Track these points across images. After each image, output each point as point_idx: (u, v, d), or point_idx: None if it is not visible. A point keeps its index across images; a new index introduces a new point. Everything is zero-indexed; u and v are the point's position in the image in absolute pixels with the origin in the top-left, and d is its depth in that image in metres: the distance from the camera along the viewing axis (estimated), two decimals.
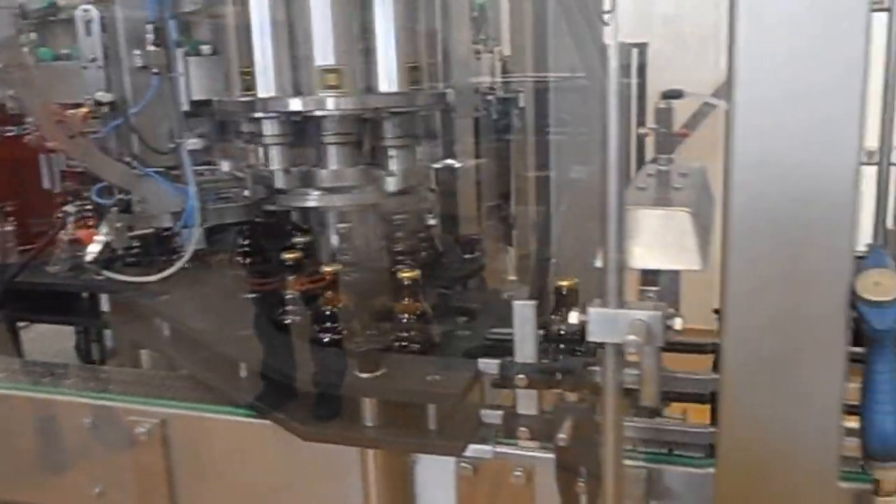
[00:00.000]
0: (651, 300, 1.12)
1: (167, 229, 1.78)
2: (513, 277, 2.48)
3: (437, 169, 2.08)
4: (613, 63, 0.98)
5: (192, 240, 1.69)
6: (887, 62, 1.78)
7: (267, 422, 1.34)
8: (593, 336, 1.03)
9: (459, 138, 2.55)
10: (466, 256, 2.01)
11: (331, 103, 1.68)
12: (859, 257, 0.81)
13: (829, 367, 0.79)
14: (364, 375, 1.26)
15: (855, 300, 0.76)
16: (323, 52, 1.66)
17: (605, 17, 2.28)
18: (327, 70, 1.67)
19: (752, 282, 0.81)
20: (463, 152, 2.57)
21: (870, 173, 1.68)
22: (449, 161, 2.53)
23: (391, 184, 1.80)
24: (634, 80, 3.44)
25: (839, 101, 0.74)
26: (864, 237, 1.53)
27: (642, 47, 3.32)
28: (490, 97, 2.69)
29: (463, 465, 1.31)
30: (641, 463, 1.20)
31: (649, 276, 1.12)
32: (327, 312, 1.28)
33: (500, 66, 2.88)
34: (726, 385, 0.86)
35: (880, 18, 1.92)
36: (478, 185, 2.59)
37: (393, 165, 1.80)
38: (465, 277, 1.93)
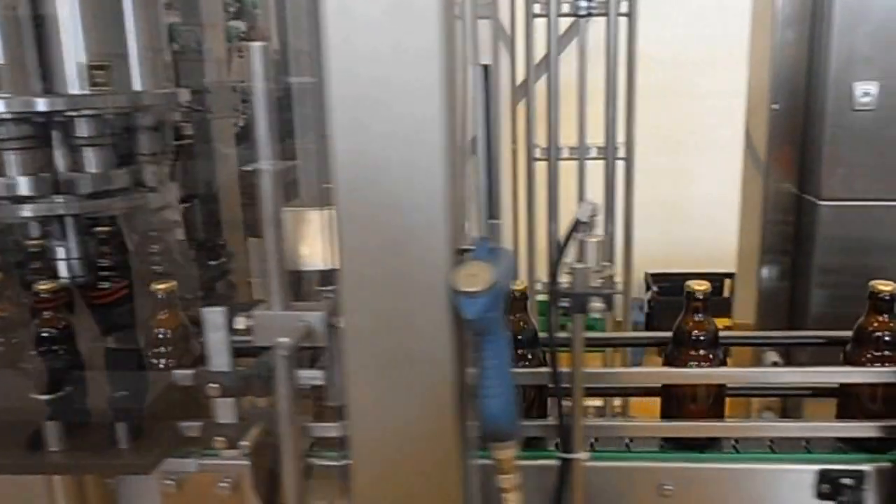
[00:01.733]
0: (329, 300, 1.12)
1: None
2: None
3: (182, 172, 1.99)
4: (258, 65, 0.97)
5: None
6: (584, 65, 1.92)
7: None
8: (259, 340, 1.02)
9: (219, 139, 2.45)
10: (211, 263, 1.95)
11: (44, 104, 1.55)
12: (467, 250, 0.86)
13: (438, 358, 0.83)
14: (43, 397, 1.18)
15: (453, 292, 0.80)
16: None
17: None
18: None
19: (363, 279, 0.83)
20: (225, 154, 2.48)
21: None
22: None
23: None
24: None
25: (421, 102, 0.77)
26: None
27: None
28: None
29: (166, 481, 1.26)
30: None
31: (326, 276, 1.12)
32: None
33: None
34: (350, 380, 0.88)
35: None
36: (242, 189, 2.52)
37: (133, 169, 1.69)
38: (209, 283, 1.87)
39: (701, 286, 1.24)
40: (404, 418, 0.85)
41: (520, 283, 1.25)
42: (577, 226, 1.16)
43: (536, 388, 1.27)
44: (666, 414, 1.30)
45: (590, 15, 2.11)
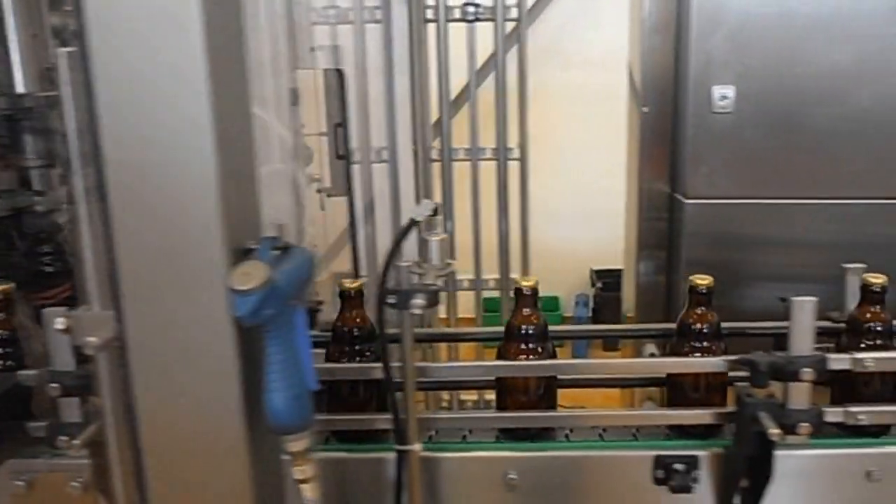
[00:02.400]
0: None
1: None
2: None
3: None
4: (64, 71, 0.99)
5: None
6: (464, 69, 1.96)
7: None
8: (77, 340, 1.04)
9: None
10: None
11: None
12: (251, 250, 0.89)
13: (219, 355, 0.86)
14: None
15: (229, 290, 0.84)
16: None
17: None
18: None
19: (144, 283, 0.86)
20: None
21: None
22: None
23: None
24: None
25: (186, 107, 0.80)
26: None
27: None
28: None
29: (16, 482, 1.27)
30: None
31: None
32: None
33: None
34: (135, 379, 0.91)
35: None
36: None
37: None
38: None
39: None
40: (189, 416, 0.89)
41: (355, 282, 1.28)
42: (411, 224, 1.20)
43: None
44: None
45: (477, 20, 2.16)
